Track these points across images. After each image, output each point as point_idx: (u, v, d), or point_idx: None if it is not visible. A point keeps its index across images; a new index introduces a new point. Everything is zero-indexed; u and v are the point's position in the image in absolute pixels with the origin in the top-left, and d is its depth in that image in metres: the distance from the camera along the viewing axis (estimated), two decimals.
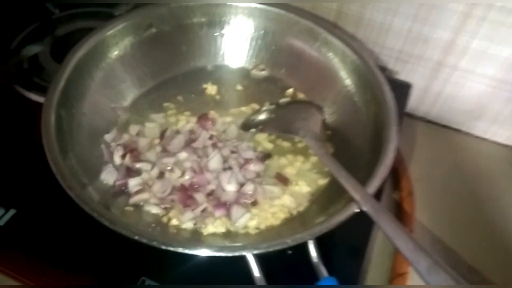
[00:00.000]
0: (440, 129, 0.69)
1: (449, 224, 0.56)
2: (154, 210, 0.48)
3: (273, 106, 0.59)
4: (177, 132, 0.55)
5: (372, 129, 0.51)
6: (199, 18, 0.60)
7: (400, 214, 0.57)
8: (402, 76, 0.68)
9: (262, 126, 0.56)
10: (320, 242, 0.42)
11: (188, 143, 0.53)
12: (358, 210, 0.41)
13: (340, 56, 0.57)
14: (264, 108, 0.59)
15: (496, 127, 0.66)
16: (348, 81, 0.56)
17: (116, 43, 0.55)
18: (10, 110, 0.60)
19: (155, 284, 0.45)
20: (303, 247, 0.41)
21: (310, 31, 0.59)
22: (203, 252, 0.38)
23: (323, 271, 0.39)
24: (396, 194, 0.59)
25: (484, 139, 0.68)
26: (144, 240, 0.38)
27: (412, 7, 0.60)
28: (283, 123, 0.54)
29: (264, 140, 0.56)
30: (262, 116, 0.57)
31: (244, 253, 0.38)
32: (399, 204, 0.58)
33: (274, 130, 0.55)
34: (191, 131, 0.55)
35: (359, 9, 0.64)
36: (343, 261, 0.47)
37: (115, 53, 0.55)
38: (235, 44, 0.63)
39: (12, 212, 0.50)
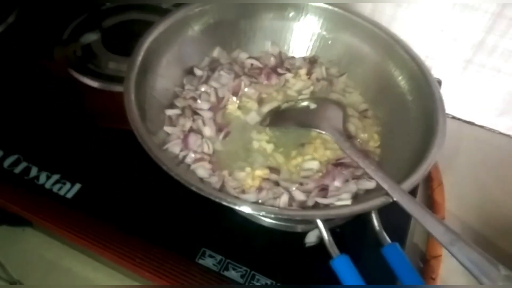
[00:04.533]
0: (464, 124, 0.73)
1: (478, 215, 0.60)
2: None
3: (292, 102, 0.58)
4: None
5: (421, 123, 0.53)
6: (266, 13, 0.62)
7: (431, 203, 0.60)
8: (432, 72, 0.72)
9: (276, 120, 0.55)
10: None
11: None
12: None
13: (396, 60, 0.60)
14: (284, 105, 0.58)
15: None
16: (402, 82, 0.59)
17: (184, 27, 0.57)
18: (68, 93, 0.65)
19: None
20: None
21: (373, 35, 0.61)
22: (276, 216, 0.41)
23: (386, 238, 0.42)
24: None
25: (508, 136, 0.72)
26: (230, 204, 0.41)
27: (445, 8, 0.64)
28: (302, 118, 0.55)
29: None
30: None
31: (315, 218, 0.40)
32: (429, 194, 0.61)
33: (292, 125, 0.55)
34: None
35: (393, 9, 0.68)
36: None
37: (180, 38, 0.56)
38: (295, 39, 0.64)
39: (77, 186, 0.54)
